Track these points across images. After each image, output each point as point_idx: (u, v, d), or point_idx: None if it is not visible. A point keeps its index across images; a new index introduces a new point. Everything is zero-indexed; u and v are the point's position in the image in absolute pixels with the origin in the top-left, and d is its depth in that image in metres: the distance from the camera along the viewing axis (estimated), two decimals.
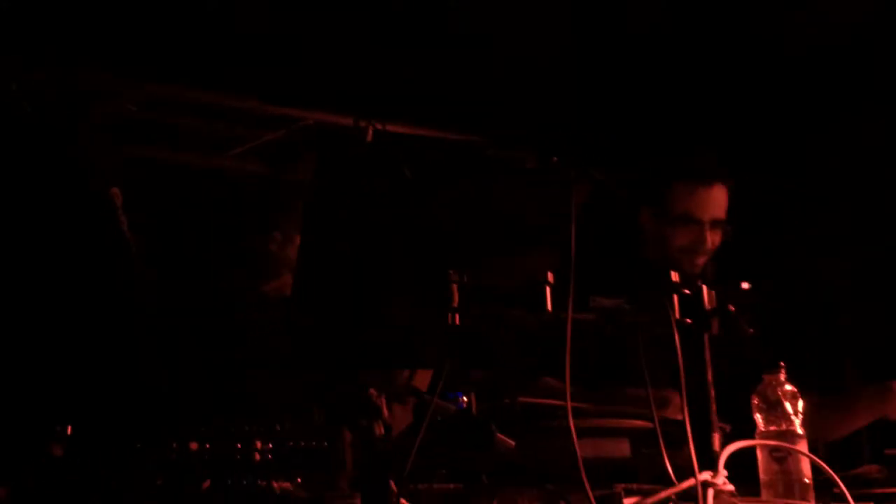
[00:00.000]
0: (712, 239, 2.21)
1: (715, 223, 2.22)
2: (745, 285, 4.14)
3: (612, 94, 3.16)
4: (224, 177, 3.50)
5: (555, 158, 1.30)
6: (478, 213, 1.41)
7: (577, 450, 1.35)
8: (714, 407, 1.52)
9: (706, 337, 1.51)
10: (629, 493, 1.41)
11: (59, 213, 1.39)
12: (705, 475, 1.41)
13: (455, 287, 1.37)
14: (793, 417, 1.61)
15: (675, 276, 1.51)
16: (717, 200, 2.21)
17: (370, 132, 1.26)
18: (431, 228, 1.36)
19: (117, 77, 3.28)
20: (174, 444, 1.47)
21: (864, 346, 3.24)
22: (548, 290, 1.41)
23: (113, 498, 1.41)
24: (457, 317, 1.35)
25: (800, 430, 1.60)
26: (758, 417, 1.65)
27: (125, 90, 3.27)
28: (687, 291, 1.51)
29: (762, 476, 1.59)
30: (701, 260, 2.20)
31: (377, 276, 1.40)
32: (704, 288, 1.54)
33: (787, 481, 1.56)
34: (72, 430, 1.65)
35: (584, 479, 1.31)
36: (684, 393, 1.42)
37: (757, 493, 1.59)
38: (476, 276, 1.38)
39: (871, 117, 2.91)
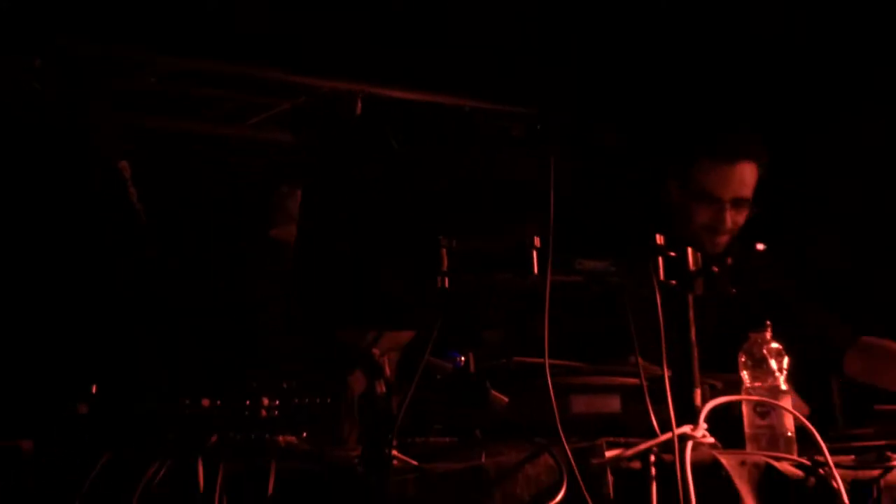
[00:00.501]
0: (734, 218, 2.19)
1: (737, 202, 2.19)
2: (759, 246, 4.16)
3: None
4: (244, 146, 3.59)
5: (538, 126, 1.36)
6: (467, 180, 1.47)
7: (554, 406, 1.42)
8: (696, 364, 1.58)
9: (689, 297, 1.56)
10: (614, 446, 1.48)
11: (71, 185, 1.49)
12: (685, 428, 1.48)
13: (444, 252, 1.44)
14: (777, 374, 1.67)
15: (660, 239, 1.56)
16: (740, 179, 2.17)
17: (359, 104, 1.33)
18: (421, 195, 1.43)
19: (135, 49, 3.37)
20: (186, 401, 1.58)
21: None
22: (534, 253, 1.47)
23: (129, 454, 1.51)
24: (446, 280, 1.42)
25: (783, 386, 1.66)
26: (744, 374, 1.70)
27: (144, 62, 3.37)
28: (672, 253, 1.56)
29: (747, 430, 1.65)
30: (722, 239, 2.20)
31: (370, 242, 1.47)
32: (689, 250, 1.59)
33: (771, 435, 1.62)
34: (96, 389, 1.76)
35: (561, 433, 1.38)
36: (664, 351, 1.48)
37: (743, 447, 1.66)
38: (465, 241, 1.45)
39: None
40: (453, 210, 1.45)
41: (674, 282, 1.55)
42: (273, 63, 3.47)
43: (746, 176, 2.19)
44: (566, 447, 1.35)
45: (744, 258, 2.28)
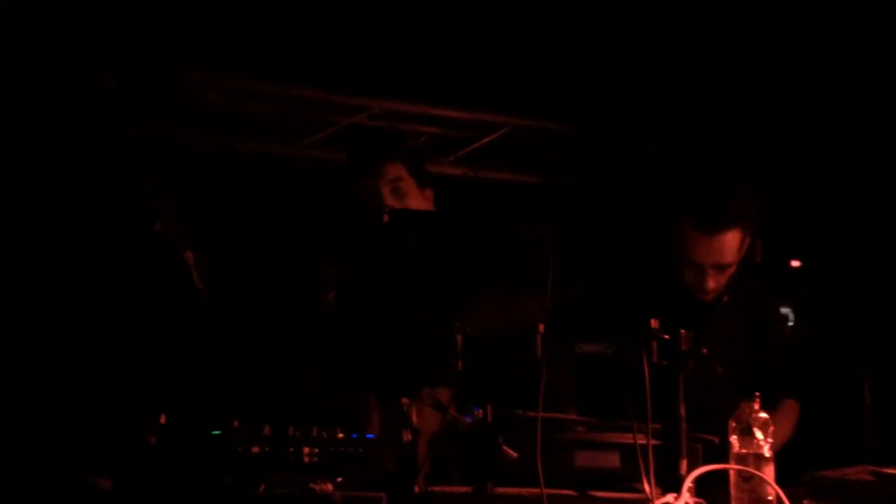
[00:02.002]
0: (716, 280, 2.26)
1: (718, 266, 2.25)
2: (794, 263, 4.28)
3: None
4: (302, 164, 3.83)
5: (543, 232, 1.55)
6: (477, 270, 1.68)
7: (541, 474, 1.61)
8: (684, 437, 1.76)
9: (679, 376, 1.75)
10: None
11: (149, 272, 1.76)
12: (668, 497, 1.68)
13: (460, 338, 1.66)
14: (762, 442, 1.84)
15: (654, 324, 1.74)
16: (719, 248, 2.22)
17: (386, 216, 1.55)
18: (437, 283, 1.65)
19: (201, 70, 3.62)
20: (239, 448, 1.84)
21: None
22: (538, 338, 1.68)
23: (193, 490, 1.79)
24: (460, 363, 1.64)
25: (767, 454, 1.83)
26: (733, 439, 1.88)
27: (208, 81, 3.61)
28: (666, 336, 1.74)
29: (732, 491, 1.84)
30: (707, 297, 2.30)
31: (398, 323, 1.70)
32: (682, 332, 1.76)
33: (752, 499, 1.80)
34: (164, 419, 2.04)
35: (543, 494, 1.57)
36: (650, 426, 1.67)
37: None
38: (476, 322, 1.66)
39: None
40: (465, 297, 1.66)
41: (665, 362, 1.73)
42: (326, 84, 3.70)
43: (727, 244, 2.23)
44: None
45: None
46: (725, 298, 2.36)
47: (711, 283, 2.28)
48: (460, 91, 3.79)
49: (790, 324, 3.98)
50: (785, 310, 4.00)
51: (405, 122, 3.88)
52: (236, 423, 1.83)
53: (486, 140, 3.96)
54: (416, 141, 3.88)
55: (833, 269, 4.06)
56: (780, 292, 3.87)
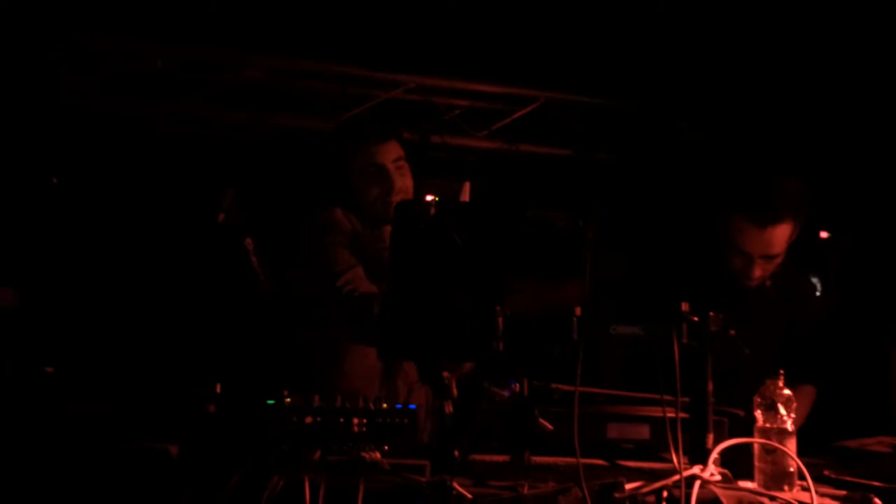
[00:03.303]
0: (763, 269, 2.32)
1: (767, 257, 2.30)
2: (823, 234, 4.33)
3: None
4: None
5: (580, 222, 1.65)
6: (517, 256, 1.79)
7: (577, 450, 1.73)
8: (711, 412, 1.87)
9: (708, 356, 1.85)
10: (638, 477, 1.80)
11: (211, 257, 1.89)
12: (695, 469, 1.79)
13: (500, 319, 1.77)
14: (784, 417, 1.95)
15: (685, 307, 1.84)
16: (769, 241, 2.27)
17: (432, 209, 1.65)
18: (480, 272, 1.76)
19: (242, 50, 3.72)
20: (294, 417, 1.98)
21: None
22: (575, 321, 1.79)
23: (252, 456, 1.93)
24: (501, 344, 1.76)
25: (789, 428, 1.94)
26: (758, 414, 1.99)
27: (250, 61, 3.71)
28: (695, 318, 1.84)
29: (756, 463, 1.95)
30: (752, 283, 2.35)
31: (445, 307, 1.82)
32: (711, 315, 1.86)
33: (774, 470, 1.91)
34: (220, 388, 2.19)
35: (582, 476, 1.69)
36: (679, 402, 1.78)
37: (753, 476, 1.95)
38: (516, 307, 1.77)
39: None
40: (506, 282, 1.77)
41: (694, 343, 1.84)
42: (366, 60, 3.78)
43: (777, 237, 2.28)
44: (584, 488, 1.67)
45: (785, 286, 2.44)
46: (768, 283, 2.43)
47: (758, 272, 2.34)
48: (494, 65, 3.86)
49: (817, 294, 4.05)
50: (814, 280, 4.06)
51: (439, 96, 3.96)
52: (287, 394, 1.98)
53: (519, 114, 4.02)
54: (451, 114, 3.96)
55: (861, 240, 4.11)
56: (810, 266, 3.93)
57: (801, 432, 1.97)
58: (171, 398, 2.13)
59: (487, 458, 1.99)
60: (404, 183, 2.47)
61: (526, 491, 1.74)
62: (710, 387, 1.86)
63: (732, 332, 1.85)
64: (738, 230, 2.31)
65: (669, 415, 1.82)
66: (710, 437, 1.86)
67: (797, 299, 2.57)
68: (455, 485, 1.73)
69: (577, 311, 1.77)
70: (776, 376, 1.98)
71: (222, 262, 1.96)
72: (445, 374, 2.10)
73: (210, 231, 1.89)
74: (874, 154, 3.73)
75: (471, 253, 1.67)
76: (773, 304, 2.49)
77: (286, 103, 3.72)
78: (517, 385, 2.11)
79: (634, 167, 3.93)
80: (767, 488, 1.88)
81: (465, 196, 2.39)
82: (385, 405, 1.99)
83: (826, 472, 1.98)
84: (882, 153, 3.69)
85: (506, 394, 2.11)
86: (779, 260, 2.37)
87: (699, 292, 1.88)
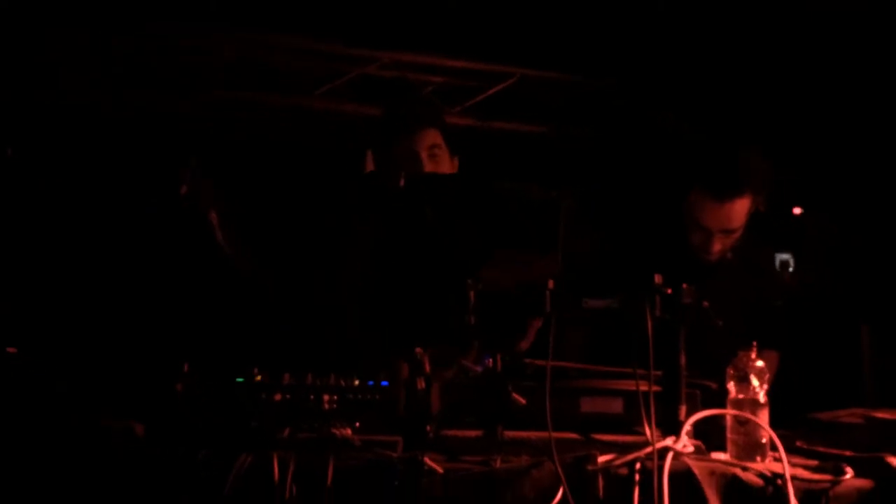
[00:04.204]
0: (723, 243, 2.32)
1: (726, 231, 2.30)
2: (796, 210, 4.37)
3: None
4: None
5: (553, 193, 1.63)
6: (490, 229, 1.76)
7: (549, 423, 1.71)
8: (684, 384, 1.86)
9: (681, 328, 1.83)
10: (610, 450, 1.79)
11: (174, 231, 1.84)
12: (668, 440, 1.78)
13: (472, 293, 1.75)
14: (757, 389, 1.94)
15: (658, 279, 1.82)
16: (728, 215, 2.27)
17: (402, 180, 1.62)
18: (451, 246, 1.74)
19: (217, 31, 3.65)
20: (263, 394, 1.95)
21: None
22: (547, 294, 1.76)
23: (220, 434, 1.89)
24: (472, 318, 1.73)
25: (762, 400, 1.93)
26: (730, 386, 1.98)
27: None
28: (668, 290, 1.83)
29: (729, 434, 1.94)
30: (712, 257, 2.35)
31: (415, 283, 1.79)
32: (684, 286, 1.85)
33: (747, 441, 1.91)
34: (188, 367, 2.15)
35: (553, 448, 1.68)
36: (651, 374, 1.76)
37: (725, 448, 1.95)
38: (488, 283, 1.75)
39: None
40: (478, 256, 1.75)
41: (667, 315, 1.82)
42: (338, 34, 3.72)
43: (736, 211, 2.29)
44: (556, 463, 1.66)
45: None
46: (729, 255, 2.43)
47: (717, 247, 2.35)
48: (469, 41, 3.82)
49: (790, 270, 4.07)
50: (786, 256, 4.08)
51: (413, 72, 3.91)
52: (257, 372, 1.94)
53: (493, 90, 3.99)
54: (425, 90, 3.92)
55: (835, 215, 4.14)
56: (781, 240, 3.96)
57: (774, 404, 1.97)
58: (137, 376, 2.09)
59: (460, 433, 1.97)
60: (439, 169, 2.30)
61: (499, 465, 1.73)
62: (683, 359, 1.85)
63: (706, 303, 1.84)
64: (697, 205, 2.31)
65: (642, 388, 1.81)
66: (683, 409, 1.85)
67: (758, 271, 2.57)
68: (427, 460, 1.70)
69: (550, 284, 1.75)
70: (748, 348, 1.98)
71: (187, 236, 1.92)
72: (418, 349, 2.09)
73: (174, 204, 1.85)
74: (852, 130, 3.76)
75: (442, 223, 1.64)
76: (737, 276, 2.50)
77: (259, 79, 3.66)
78: (490, 360, 2.10)
79: (608, 144, 3.92)
80: (740, 459, 1.88)
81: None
82: (357, 382, 1.97)
83: (798, 444, 1.99)
84: (859, 130, 3.71)
85: (478, 369, 2.10)
86: (737, 234, 2.37)
87: (666, 266, 1.87)
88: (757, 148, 2.45)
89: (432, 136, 2.36)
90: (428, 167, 2.26)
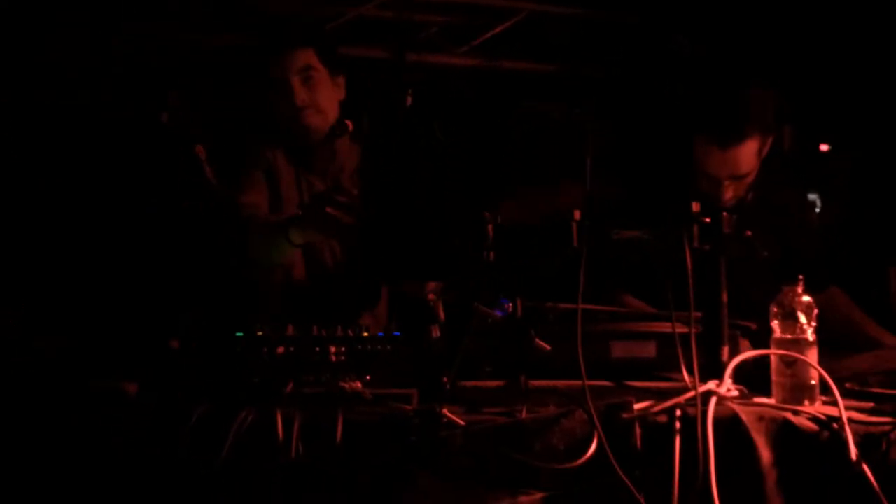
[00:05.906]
0: (734, 190, 2.18)
1: (735, 177, 2.16)
2: (823, 147, 4.14)
3: None
4: None
5: (577, 111, 1.44)
6: (512, 158, 1.58)
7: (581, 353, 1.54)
8: (726, 324, 1.69)
9: (721, 261, 1.66)
10: (646, 397, 1.63)
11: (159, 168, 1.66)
12: (710, 384, 1.62)
13: (490, 227, 1.57)
14: (805, 326, 1.77)
15: (695, 207, 1.65)
16: (735, 160, 2.13)
17: (409, 98, 1.44)
18: (467, 172, 1.55)
19: None
20: (265, 349, 1.79)
21: None
22: (573, 226, 1.59)
23: (220, 391, 1.74)
24: (491, 254, 1.56)
25: (810, 338, 1.76)
26: (774, 324, 1.81)
27: None
28: (707, 220, 1.65)
29: (774, 377, 1.78)
30: (726, 205, 2.18)
31: (425, 205, 1.61)
32: (725, 215, 1.67)
33: (794, 384, 1.74)
34: (184, 321, 1.99)
35: (587, 394, 1.51)
36: (692, 312, 1.59)
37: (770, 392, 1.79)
38: (508, 216, 1.57)
39: None
40: (497, 183, 1.57)
41: (707, 247, 1.65)
42: None
43: (743, 156, 2.14)
44: (590, 409, 1.49)
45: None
46: (750, 196, 2.26)
47: (728, 194, 2.20)
48: None
49: (817, 210, 3.90)
50: (812, 195, 3.90)
51: (416, 11, 3.71)
52: (259, 325, 1.79)
53: (500, 28, 3.79)
54: (428, 32, 3.72)
55: (863, 153, 3.94)
56: (807, 177, 3.78)
57: None
58: (130, 333, 1.94)
59: (480, 383, 1.81)
60: (312, 97, 2.17)
61: (525, 416, 1.57)
62: (725, 297, 1.68)
63: (749, 232, 1.67)
64: (702, 152, 2.15)
65: (680, 330, 1.65)
66: (726, 350, 1.68)
67: (782, 211, 2.41)
68: (446, 412, 1.55)
69: (576, 214, 1.57)
70: (794, 282, 1.81)
71: (173, 173, 1.74)
72: (431, 296, 1.92)
73: (155, 136, 1.67)
74: (878, 69, 3.55)
75: (455, 149, 1.46)
76: (762, 215, 2.33)
77: (254, 24, 3.46)
78: (510, 304, 1.93)
79: (623, 83, 3.71)
80: (787, 404, 1.72)
81: (342, 93, 2.13)
82: (366, 333, 1.81)
83: (848, 385, 1.82)
84: (885, 68, 3.51)
85: (498, 314, 1.94)
86: (750, 179, 2.20)
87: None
88: (762, 84, 2.25)
89: (304, 57, 2.16)
90: (301, 93, 2.06)
